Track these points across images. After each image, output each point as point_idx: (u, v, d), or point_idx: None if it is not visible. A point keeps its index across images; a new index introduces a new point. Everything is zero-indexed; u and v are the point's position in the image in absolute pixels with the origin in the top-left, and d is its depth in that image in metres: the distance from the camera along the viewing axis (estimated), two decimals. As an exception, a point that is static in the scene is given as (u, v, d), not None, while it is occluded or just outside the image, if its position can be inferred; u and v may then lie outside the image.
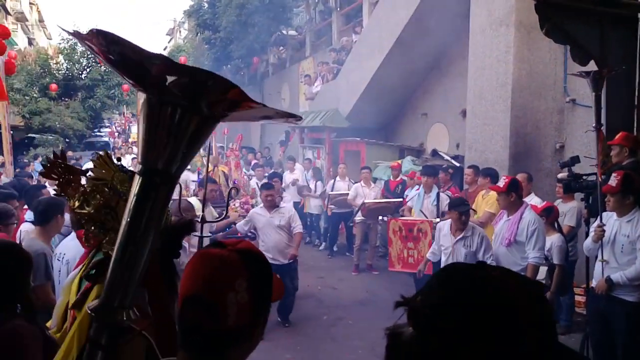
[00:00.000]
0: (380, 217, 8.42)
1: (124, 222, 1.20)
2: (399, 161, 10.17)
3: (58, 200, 3.86)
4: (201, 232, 3.96)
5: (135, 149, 22.38)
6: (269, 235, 6.18)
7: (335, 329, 6.09)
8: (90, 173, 1.82)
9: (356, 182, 9.58)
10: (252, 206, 7.81)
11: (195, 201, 5.87)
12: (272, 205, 6.29)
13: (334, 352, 5.50)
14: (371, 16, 12.63)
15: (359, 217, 8.87)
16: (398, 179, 9.48)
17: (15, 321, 2.07)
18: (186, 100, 1.06)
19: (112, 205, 1.73)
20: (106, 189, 1.69)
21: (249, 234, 6.60)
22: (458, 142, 10.03)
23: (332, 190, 9.93)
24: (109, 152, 1.87)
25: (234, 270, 1.13)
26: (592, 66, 4.65)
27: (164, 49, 50.37)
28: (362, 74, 11.73)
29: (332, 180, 10.28)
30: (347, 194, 9.40)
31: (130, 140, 30.41)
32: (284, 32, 20.32)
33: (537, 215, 4.90)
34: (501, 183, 4.92)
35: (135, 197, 1.19)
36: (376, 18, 11.68)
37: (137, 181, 1.18)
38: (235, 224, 6.80)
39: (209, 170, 9.27)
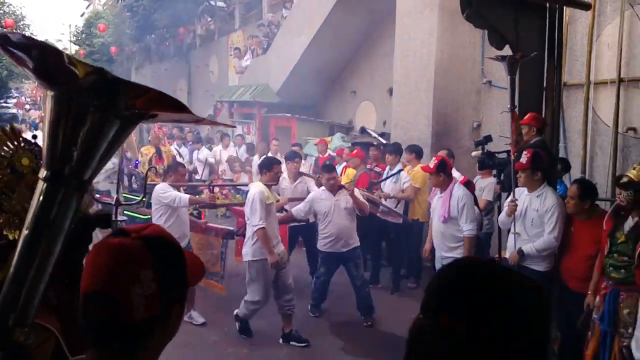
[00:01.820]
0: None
1: (24, 233, 1.07)
2: (328, 138, 10.33)
3: None
4: (115, 217, 3.83)
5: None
6: (336, 220, 5.64)
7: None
8: None
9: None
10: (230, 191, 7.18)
11: (261, 186, 5.23)
12: (336, 188, 5.72)
13: (260, 330, 5.56)
14: (301, -8, 12.58)
15: None
16: (326, 154, 9.65)
17: None
18: (99, 101, 0.97)
19: (10, 186, 1.51)
20: (4, 167, 1.50)
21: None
22: (385, 120, 10.33)
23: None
24: (16, 125, 1.66)
25: (138, 260, 1.03)
26: (507, 51, 4.96)
27: (81, 15, 47.42)
28: (292, 49, 11.72)
29: (264, 157, 10.25)
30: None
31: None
32: (212, 2, 19.73)
33: (466, 190, 5.23)
34: (431, 164, 5.17)
35: (37, 206, 1.05)
36: (306, -6, 11.66)
37: (40, 187, 1.05)
38: (285, 210, 6.24)
39: (152, 153, 8.86)
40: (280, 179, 6.85)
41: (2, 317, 1.09)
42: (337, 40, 10.80)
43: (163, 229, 1.19)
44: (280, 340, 5.35)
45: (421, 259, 6.35)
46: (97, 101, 0.98)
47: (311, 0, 11.16)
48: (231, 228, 6.34)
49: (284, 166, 7.49)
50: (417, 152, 7.03)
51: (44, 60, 0.95)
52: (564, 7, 5.37)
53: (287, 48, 11.99)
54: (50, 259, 1.09)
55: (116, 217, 3.68)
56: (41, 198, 1.05)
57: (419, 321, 0.96)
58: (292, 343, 5.29)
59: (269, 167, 5.44)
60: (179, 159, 10.03)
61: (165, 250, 1.10)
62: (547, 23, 5.10)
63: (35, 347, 1.25)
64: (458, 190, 5.11)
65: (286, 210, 6.29)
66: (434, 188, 5.54)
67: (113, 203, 3.77)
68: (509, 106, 4.71)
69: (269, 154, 10.12)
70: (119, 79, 0.94)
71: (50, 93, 1.01)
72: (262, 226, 4.98)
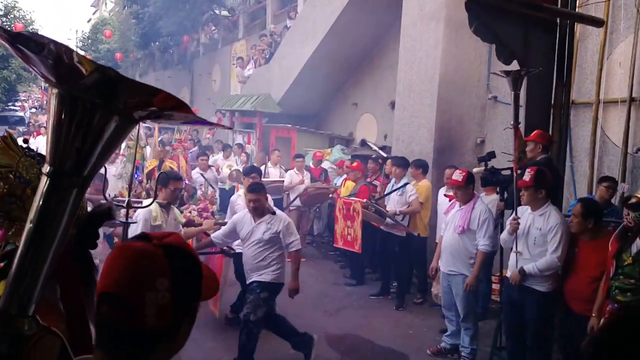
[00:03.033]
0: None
1: (27, 227, 1.12)
2: (328, 150, 10.26)
3: None
4: (126, 219, 3.79)
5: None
6: (246, 250, 4.89)
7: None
8: None
9: (288, 169, 9.57)
10: (212, 214, 6.43)
11: (153, 205, 4.58)
12: (260, 212, 4.88)
13: (258, 340, 5.47)
14: (306, 3, 12.57)
15: (294, 204, 8.84)
16: (318, 167, 9.61)
17: None
18: (101, 99, 0.99)
19: (18, 194, 1.58)
20: (11, 176, 1.54)
21: (226, 248, 5.32)
22: (386, 133, 10.24)
23: (263, 177, 9.80)
24: (22, 128, 1.70)
25: (156, 267, 1.04)
26: (515, 65, 4.86)
27: (88, 21, 47.81)
28: (295, 60, 11.67)
29: (264, 167, 10.13)
30: (281, 180, 9.32)
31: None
32: (217, 11, 19.80)
33: (487, 206, 5.16)
34: (459, 177, 5.06)
35: (40, 200, 1.10)
36: (311, 5, 11.64)
37: (43, 183, 1.10)
38: (209, 233, 5.48)
39: (154, 166, 8.69)
40: (235, 196, 6.29)
41: (8, 306, 1.14)
42: (341, 52, 10.76)
43: (184, 239, 1.20)
44: None
45: (427, 274, 6.22)
46: (99, 99, 1.00)
47: (315, 11, 11.13)
48: None
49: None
50: (423, 167, 6.98)
51: (54, 57, 0.96)
52: (575, 24, 5.28)
53: (290, 58, 11.96)
54: (51, 252, 1.14)
55: (127, 218, 3.66)
56: (44, 193, 1.10)
57: None
58: None
59: (165, 184, 4.70)
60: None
61: (184, 261, 1.10)
62: (557, 39, 5.02)
63: (35, 342, 1.28)
64: (481, 205, 5.08)
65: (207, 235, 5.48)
66: (449, 203, 5.43)
67: (124, 205, 3.73)
68: (512, 122, 4.61)
69: (269, 164, 10.04)
70: (120, 77, 0.95)
71: (54, 91, 1.04)
72: None
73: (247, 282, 4.91)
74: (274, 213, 4.90)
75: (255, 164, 10.46)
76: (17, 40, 0.97)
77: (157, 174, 8.09)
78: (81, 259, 1.66)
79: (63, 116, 1.03)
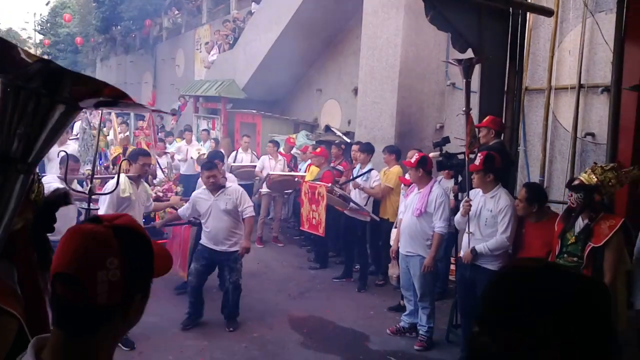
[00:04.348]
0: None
1: None
2: (294, 136, 10.29)
3: None
4: (88, 205, 3.84)
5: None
6: (213, 221, 5.40)
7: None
8: None
9: (263, 155, 9.58)
10: (177, 194, 6.89)
11: (123, 178, 4.97)
12: (216, 187, 5.46)
13: (223, 325, 5.55)
14: (270, -12, 12.49)
15: (264, 189, 8.89)
16: (288, 154, 9.65)
17: None
18: (45, 89, 1.03)
19: None
20: None
21: (192, 219, 5.90)
22: (349, 119, 10.35)
23: (234, 162, 9.77)
24: None
25: (106, 247, 1.09)
26: (470, 53, 5.00)
27: (47, 4, 46.19)
28: (259, 45, 11.64)
29: (235, 152, 10.10)
30: (253, 166, 9.35)
31: None
32: (179, -5, 19.47)
33: (444, 190, 5.33)
34: (412, 159, 5.27)
35: None
36: (275, -10, 11.58)
37: None
38: (176, 208, 6.00)
39: (119, 153, 8.61)
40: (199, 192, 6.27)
41: None
42: (305, 38, 10.76)
43: (135, 220, 1.22)
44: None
45: (389, 256, 6.39)
46: (43, 88, 1.03)
47: (279, -4, 11.08)
48: None
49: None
50: (396, 153, 7.05)
51: None
52: (527, 13, 5.45)
53: (255, 43, 11.90)
54: None
55: (89, 205, 3.74)
56: None
57: (479, 338, 0.95)
58: None
59: (135, 159, 5.16)
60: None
61: (133, 240, 1.15)
62: (510, 28, 5.17)
63: None
64: (438, 189, 5.26)
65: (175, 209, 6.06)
66: (409, 187, 5.59)
67: (86, 192, 3.79)
68: (464, 109, 4.77)
69: (240, 150, 10.02)
70: (62, 68, 0.99)
71: None
72: None
73: (219, 250, 5.42)
74: (224, 186, 5.48)
75: (222, 150, 10.43)
76: None
77: (121, 161, 8.09)
78: (38, 244, 1.70)
79: (7, 104, 1.04)
